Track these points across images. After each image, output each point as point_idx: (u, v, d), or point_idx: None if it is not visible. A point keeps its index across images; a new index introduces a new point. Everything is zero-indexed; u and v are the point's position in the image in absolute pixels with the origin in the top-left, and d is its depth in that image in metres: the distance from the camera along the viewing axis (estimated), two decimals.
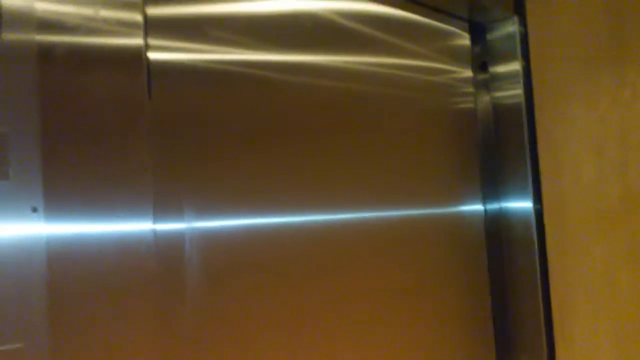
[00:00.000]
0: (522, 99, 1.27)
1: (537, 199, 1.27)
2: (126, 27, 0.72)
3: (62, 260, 0.65)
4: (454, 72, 1.26)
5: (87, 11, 0.69)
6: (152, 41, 0.75)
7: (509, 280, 1.30)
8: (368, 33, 1.07)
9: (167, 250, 0.76)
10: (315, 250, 0.94)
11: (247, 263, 0.85)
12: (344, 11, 1.02)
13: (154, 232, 0.74)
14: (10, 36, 0.64)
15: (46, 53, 0.66)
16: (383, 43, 1.10)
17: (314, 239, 0.94)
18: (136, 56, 0.73)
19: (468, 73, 1.29)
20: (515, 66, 1.28)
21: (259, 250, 0.86)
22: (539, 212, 1.26)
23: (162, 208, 0.76)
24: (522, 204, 1.28)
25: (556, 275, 1.24)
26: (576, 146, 1.21)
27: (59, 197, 0.65)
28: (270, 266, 0.88)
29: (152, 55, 0.75)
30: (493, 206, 1.32)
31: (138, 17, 0.73)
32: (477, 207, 1.29)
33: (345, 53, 1.02)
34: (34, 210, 0.62)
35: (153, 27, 0.75)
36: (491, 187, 1.32)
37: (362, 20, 1.06)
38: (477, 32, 1.33)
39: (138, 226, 0.73)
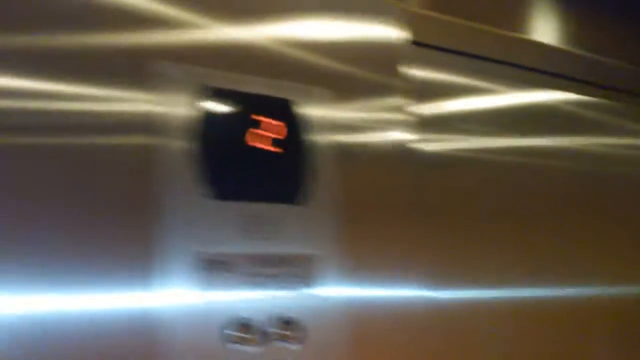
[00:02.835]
0: None
1: None
2: (399, 124, 0.86)
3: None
4: None
5: (364, 114, 0.83)
6: (417, 135, 0.88)
7: None
8: (593, 117, 1.16)
9: (437, 316, 0.86)
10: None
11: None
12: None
13: (428, 298, 0.84)
14: (313, 131, 0.78)
15: (340, 151, 0.80)
16: (610, 126, 1.18)
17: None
18: (408, 146, 0.86)
19: None
20: None
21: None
22: None
23: (434, 277, 0.86)
24: None
25: None
26: None
27: None
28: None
29: (418, 147, 0.88)
30: None
31: (408, 116, 0.86)
32: None
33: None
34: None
35: (417, 123, 0.88)
36: None
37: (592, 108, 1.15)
38: None
39: (412, 293, 0.83)
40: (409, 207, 0.84)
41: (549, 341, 0.98)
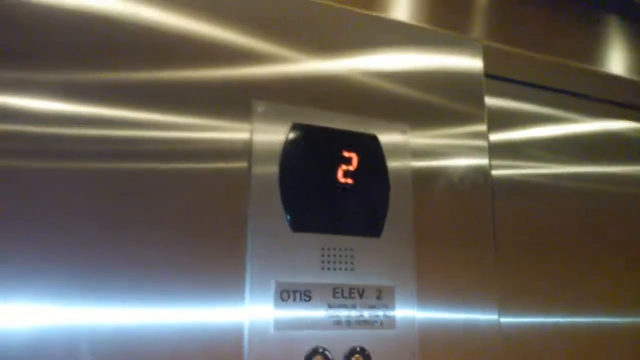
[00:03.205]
0: None
1: None
2: (476, 151, 0.88)
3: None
4: None
5: (442, 141, 0.86)
6: (493, 161, 0.91)
7: None
8: None
9: (510, 340, 0.87)
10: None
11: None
12: None
13: (499, 324, 0.86)
14: (393, 163, 0.81)
15: (417, 181, 0.83)
16: None
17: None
18: (484, 173, 0.88)
19: None
20: None
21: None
22: None
23: (505, 303, 0.87)
24: None
25: None
26: None
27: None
28: None
29: (494, 172, 0.90)
30: None
31: (484, 143, 0.89)
32: None
33: None
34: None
35: (494, 149, 0.91)
36: None
37: None
38: None
39: (485, 318, 0.85)
40: (482, 234, 0.86)
41: None
